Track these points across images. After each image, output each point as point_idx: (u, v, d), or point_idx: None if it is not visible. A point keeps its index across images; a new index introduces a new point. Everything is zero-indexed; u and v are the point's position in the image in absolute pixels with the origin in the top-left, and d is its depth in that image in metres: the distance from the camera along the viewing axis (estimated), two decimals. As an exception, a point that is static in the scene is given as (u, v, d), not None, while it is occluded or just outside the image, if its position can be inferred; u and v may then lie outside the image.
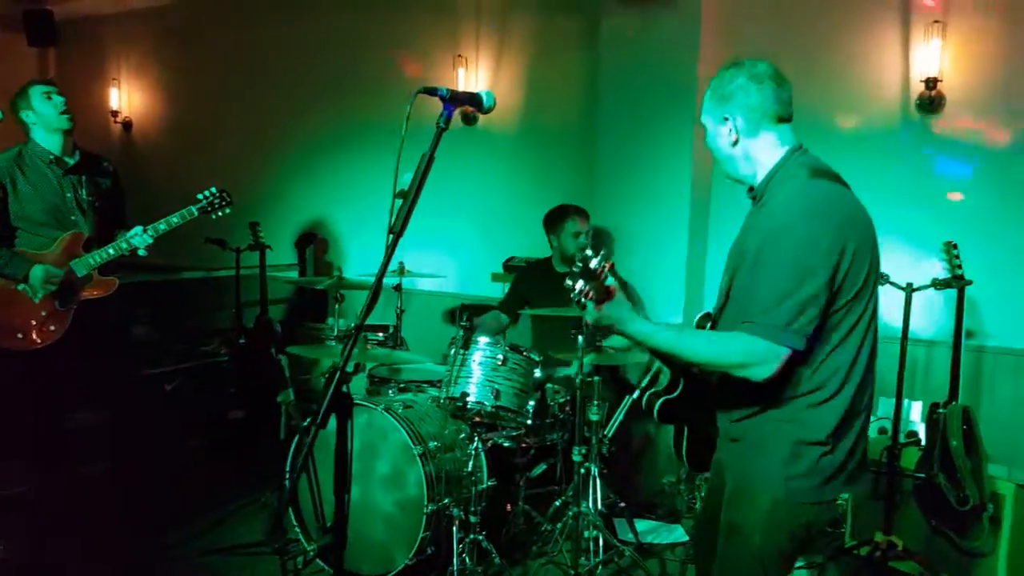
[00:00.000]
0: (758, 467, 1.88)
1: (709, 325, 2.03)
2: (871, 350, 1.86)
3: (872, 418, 3.93)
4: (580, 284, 1.72)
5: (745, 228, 1.95)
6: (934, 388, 3.47)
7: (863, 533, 3.55)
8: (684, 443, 2.11)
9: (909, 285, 3.33)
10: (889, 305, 3.50)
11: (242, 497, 3.89)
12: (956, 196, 3.96)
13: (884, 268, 3.33)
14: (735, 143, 1.92)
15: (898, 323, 3.37)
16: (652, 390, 2.11)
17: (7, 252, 3.25)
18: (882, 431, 3.75)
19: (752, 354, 1.72)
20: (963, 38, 3.84)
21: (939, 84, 3.87)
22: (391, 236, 1.85)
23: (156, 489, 3.93)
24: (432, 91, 1.89)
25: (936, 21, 3.84)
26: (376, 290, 1.85)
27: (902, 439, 3.66)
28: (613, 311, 1.76)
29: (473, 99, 2.00)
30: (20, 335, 3.28)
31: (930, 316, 3.97)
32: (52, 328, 3.30)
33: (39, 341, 3.29)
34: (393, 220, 1.86)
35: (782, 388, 1.81)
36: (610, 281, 1.74)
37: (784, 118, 1.91)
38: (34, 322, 3.29)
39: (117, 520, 3.64)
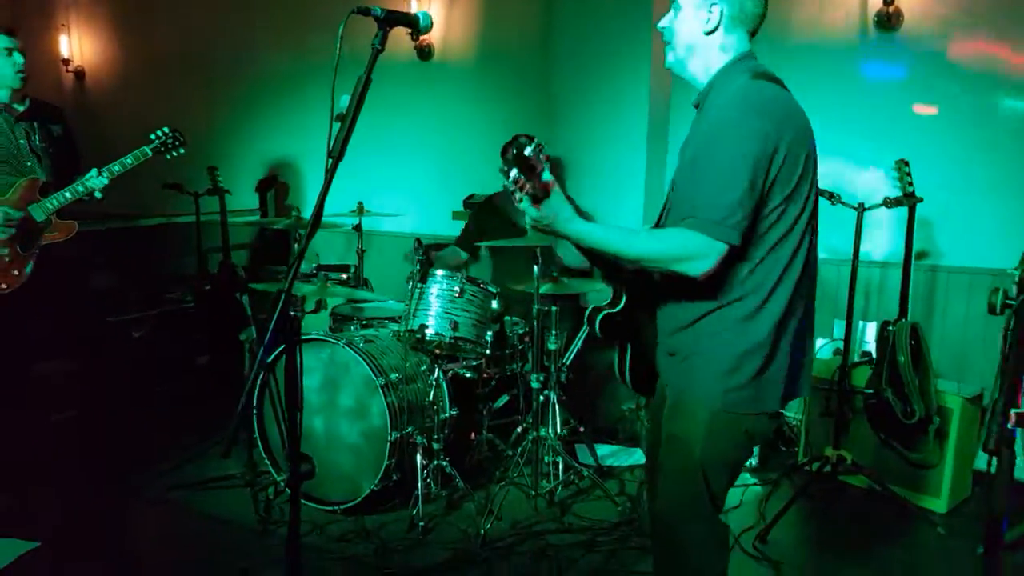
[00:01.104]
0: (696, 380, 1.88)
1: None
2: (807, 258, 1.85)
3: (827, 340, 4.09)
4: (514, 172, 1.68)
5: (686, 141, 1.93)
6: (889, 310, 3.53)
7: (815, 449, 3.68)
8: (627, 362, 2.06)
9: (861, 204, 3.38)
10: (841, 226, 3.57)
11: (213, 436, 3.94)
12: (923, 109, 3.95)
13: (836, 188, 3.42)
14: (708, 33, 1.87)
15: (850, 244, 3.42)
16: (594, 305, 2.10)
17: None
18: (837, 352, 3.84)
19: (689, 248, 1.71)
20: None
21: (897, 0, 3.85)
22: (330, 160, 1.80)
23: (127, 433, 3.98)
24: (366, 11, 1.81)
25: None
26: (319, 208, 1.81)
27: (856, 359, 3.77)
28: (549, 210, 1.72)
29: (408, 19, 1.94)
30: None
31: (885, 238, 4.04)
32: (15, 273, 3.32)
33: (4, 286, 3.31)
34: (331, 144, 1.81)
35: (717, 294, 1.81)
36: (547, 176, 1.70)
37: (753, 32, 1.92)
38: None
39: (87, 463, 3.70)
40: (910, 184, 3.29)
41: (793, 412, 4.13)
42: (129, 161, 3.39)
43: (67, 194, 3.34)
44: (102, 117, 6.48)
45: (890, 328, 3.40)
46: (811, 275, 1.90)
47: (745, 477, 3.71)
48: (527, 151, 1.64)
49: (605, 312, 2.06)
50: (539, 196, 1.71)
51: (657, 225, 1.99)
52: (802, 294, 1.86)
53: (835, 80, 4.05)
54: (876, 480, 3.41)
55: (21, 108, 3.38)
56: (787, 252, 1.81)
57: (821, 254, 4.14)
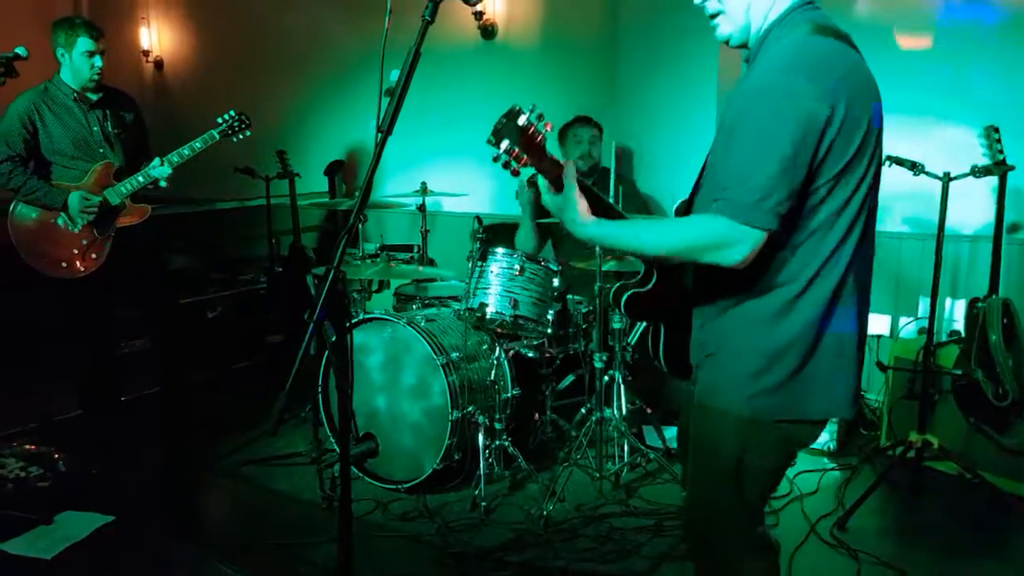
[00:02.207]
0: (721, 380, 1.66)
1: (684, 209, 1.78)
2: (860, 243, 1.57)
3: (912, 319, 3.86)
4: (505, 143, 1.54)
5: (728, 103, 1.68)
6: (979, 286, 3.30)
7: (899, 433, 3.49)
8: (661, 344, 1.85)
9: (946, 174, 3.16)
10: (925, 197, 3.35)
11: (282, 413, 4.00)
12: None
13: (919, 157, 3.21)
14: None
15: (935, 217, 3.20)
16: (621, 283, 1.87)
17: (44, 184, 3.39)
18: (922, 331, 3.63)
19: (720, 235, 1.47)
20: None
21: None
22: (379, 135, 1.75)
23: (202, 409, 4.09)
24: None
25: None
26: (368, 182, 1.76)
27: (944, 338, 3.55)
28: (561, 204, 1.61)
29: None
30: (64, 264, 3.44)
31: (975, 209, 3.77)
32: (94, 256, 3.45)
33: (83, 269, 3.45)
34: (380, 119, 1.76)
35: (746, 283, 1.57)
36: (569, 166, 1.58)
37: None
38: (76, 251, 3.44)
39: (166, 437, 3.83)
40: (1000, 151, 3.06)
41: (875, 394, 3.93)
42: (198, 145, 3.47)
43: (140, 178, 3.45)
44: (179, 104, 6.67)
45: (979, 305, 3.18)
46: (865, 264, 1.62)
47: (823, 461, 3.55)
48: (521, 120, 1.50)
49: (633, 291, 1.83)
50: (551, 175, 1.58)
51: (687, 203, 1.77)
52: (852, 287, 1.58)
53: (920, 39, 3.78)
54: (966, 467, 3.20)
55: (95, 97, 3.49)
56: (835, 237, 1.54)
57: (902, 227, 3.95)
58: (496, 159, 1.58)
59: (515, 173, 1.62)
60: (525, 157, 1.57)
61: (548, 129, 1.58)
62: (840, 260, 1.55)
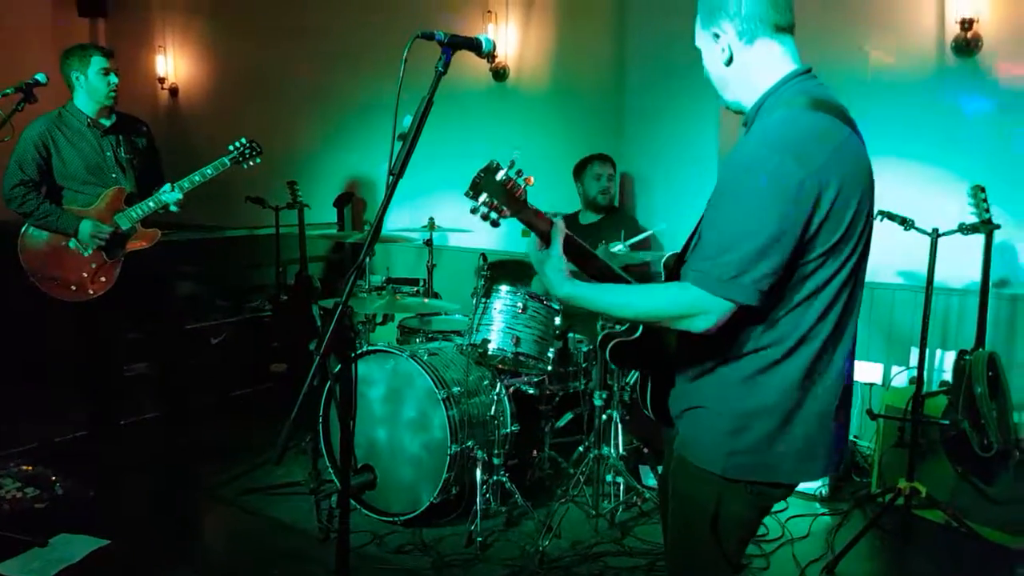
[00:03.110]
0: (699, 436, 1.67)
1: (674, 264, 1.81)
2: (845, 310, 1.59)
3: (903, 368, 3.95)
4: (484, 196, 1.59)
5: (723, 162, 1.76)
6: (969, 338, 3.40)
7: (888, 480, 3.55)
8: (648, 392, 1.88)
9: (935, 230, 3.26)
10: (917, 252, 3.45)
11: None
12: (1002, 134, 3.79)
13: (910, 213, 3.32)
14: (729, 61, 1.65)
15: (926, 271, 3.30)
16: (608, 331, 1.91)
17: (57, 209, 3.45)
18: (913, 380, 3.71)
19: (689, 305, 1.51)
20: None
21: (975, 25, 3.73)
22: (391, 177, 1.79)
23: (202, 436, 4.14)
24: (429, 36, 1.84)
25: (974, -42, 3.70)
26: (378, 223, 1.82)
27: (935, 388, 3.63)
28: (542, 264, 1.65)
29: (471, 43, 1.95)
30: (74, 287, 3.50)
31: (965, 265, 3.87)
32: (103, 279, 3.51)
33: (92, 292, 3.51)
34: (392, 162, 1.80)
35: (728, 347, 1.59)
36: (556, 216, 1.63)
37: (783, 27, 1.63)
38: (86, 274, 3.50)
39: (165, 462, 3.87)
40: (987, 210, 3.17)
41: (867, 441, 4.00)
42: (209, 171, 3.55)
43: (151, 203, 3.52)
44: (192, 130, 6.82)
45: (966, 357, 3.27)
46: (849, 335, 1.62)
47: (814, 506, 3.61)
48: (499, 175, 1.55)
49: (618, 340, 1.87)
50: (537, 228, 1.62)
51: (683, 256, 1.78)
52: (833, 356, 1.59)
53: (911, 105, 3.93)
54: (953, 515, 3.26)
55: (108, 123, 3.57)
56: (817, 310, 1.55)
57: (895, 279, 4.04)
58: (474, 211, 1.65)
59: (495, 224, 1.67)
60: (505, 210, 1.62)
61: (529, 183, 1.63)
62: (821, 332, 1.57)
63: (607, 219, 4.25)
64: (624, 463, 3.52)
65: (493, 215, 1.64)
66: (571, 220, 4.33)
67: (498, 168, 1.59)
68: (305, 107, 6.17)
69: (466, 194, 1.63)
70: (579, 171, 4.26)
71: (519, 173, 1.61)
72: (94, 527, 3.15)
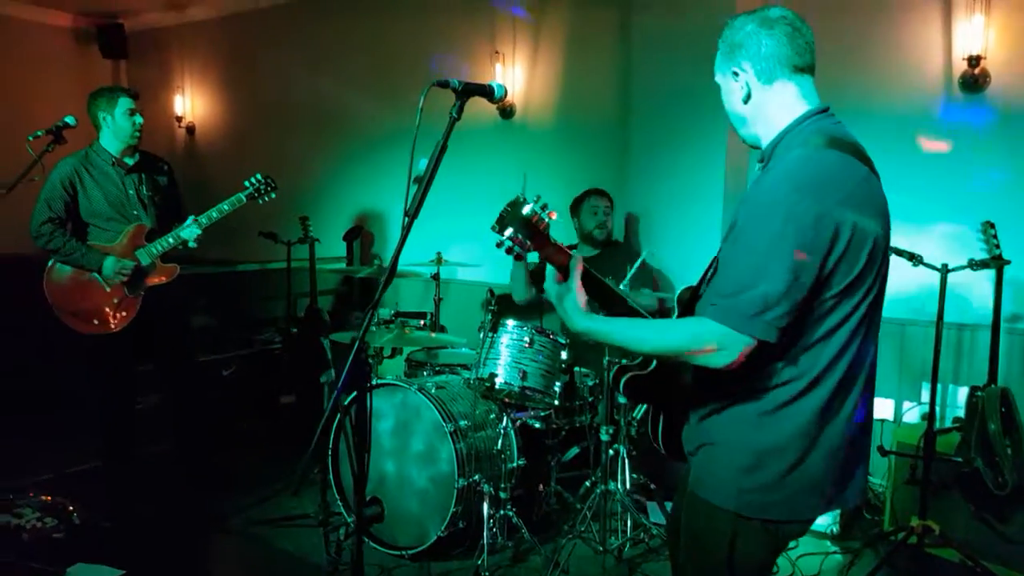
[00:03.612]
0: (712, 474, 1.67)
1: (689, 298, 1.83)
2: (862, 348, 1.60)
3: (915, 404, 3.92)
4: (509, 231, 1.61)
5: (743, 197, 1.69)
6: (982, 373, 3.38)
7: (901, 518, 3.51)
8: (660, 427, 1.87)
9: (944, 266, 3.27)
10: (928, 287, 3.45)
11: (292, 473, 4.08)
12: (1010, 169, 3.80)
13: (919, 249, 3.33)
14: (747, 99, 1.69)
15: (934, 306, 3.30)
16: (622, 364, 1.89)
17: (82, 246, 3.54)
18: (925, 416, 3.68)
19: (710, 340, 1.51)
20: (1007, 13, 3.73)
21: (983, 61, 3.77)
22: (406, 219, 1.86)
23: (213, 466, 4.16)
24: (444, 84, 1.89)
25: (979, -4, 3.75)
26: (393, 266, 1.88)
27: (948, 424, 3.60)
28: (561, 298, 1.67)
29: (484, 90, 2.00)
30: (96, 321, 3.57)
31: (977, 300, 3.87)
32: (124, 313, 3.58)
33: (113, 326, 3.58)
34: (408, 204, 1.86)
35: (744, 384, 1.60)
36: (575, 258, 1.64)
37: (802, 68, 1.66)
38: (108, 309, 3.57)
39: (177, 493, 3.88)
40: (997, 246, 3.17)
41: (879, 478, 3.95)
42: (226, 207, 3.62)
43: (170, 239, 3.60)
44: (209, 167, 6.95)
45: (979, 394, 3.24)
46: (866, 371, 1.64)
47: (826, 544, 3.56)
48: (525, 210, 1.58)
49: (632, 374, 1.87)
50: (556, 261, 1.64)
51: (698, 289, 1.81)
52: (850, 392, 1.61)
53: (919, 141, 3.97)
54: (967, 554, 3.21)
55: (131, 162, 3.66)
56: (835, 347, 1.57)
57: (906, 315, 4.04)
58: (500, 245, 1.67)
59: (519, 258, 1.69)
60: (529, 243, 1.65)
61: (552, 217, 1.66)
62: (838, 370, 1.58)
63: (606, 252, 4.26)
64: (631, 499, 3.49)
65: (517, 249, 1.66)
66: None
67: (524, 202, 1.61)
68: (316, 143, 6.28)
69: (492, 228, 1.65)
70: (576, 206, 4.30)
71: (544, 207, 1.64)
72: (109, 557, 3.17)
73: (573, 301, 1.68)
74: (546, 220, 1.65)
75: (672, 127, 4.31)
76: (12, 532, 3.30)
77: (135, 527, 3.53)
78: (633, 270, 3.54)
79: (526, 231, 1.63)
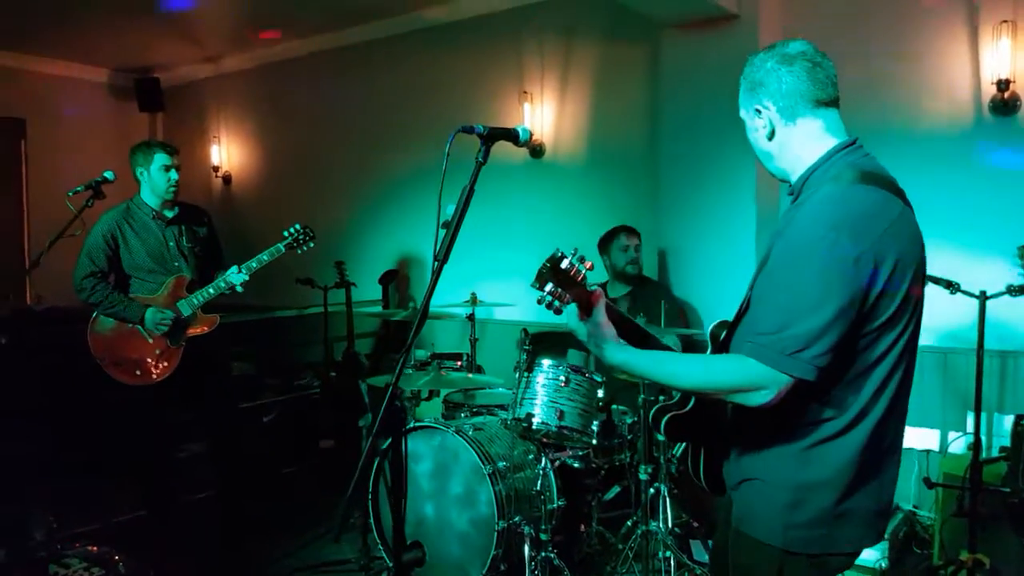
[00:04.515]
0: (756, 510, 1.68)
1: (724, 334, 1.83)
2: (902, 380, 1.62)
3: (960, 434, 3.85)
4: (549, 286, 1.63)
5: (777, 229, 1.68)
6: (1029, 400, 3.34)
7: (951, 552, 3.42)
8: (701, 463, 1.87)
9: (983, 293, 3.23)
10: (969, 314, 3.41)
11: (332, 518, 4.11)
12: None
13: (955, 276, 3.29)
14: (771, 136, 1.71)
15: (975, 333, 3.26)
16: (661, 404, 1.91)
17: (124, 299, 3.62)
18: (971, 447, 3.61)
19: (747, 379, 1.51)
20: (1035, 37, 3.73)
21: (1012, 85, 3.75)
22: (435, 263, 1.90)
23: (254, 513, 4.20)
24: (469, 129, 1.94)
25: (1005, 21, 3.75)
26: (424, 310, 1.90)
27: (995, 454, 3.53)
28: (591, 335, 1.69)
29: (509, 134, 2.05)
30: (138, 372, 3.65)
31: (1019, 325, 3.81)
32: (165, 364, 3.65)
33: (155, 377, 3.65)
34: (437, 249, 1.90)
35: (787, 419, 1.59)
36: (592, 287, 1.66)
37: (825, 101, 1.66)
38: (150, 360, 3.65)
39: (220, 540, 3.93)
40: (1035, 271, 3.14)
41: (926, 511, 3.87)
42: (265, 257, 3.67)
43: (211, 290, 3.66)
44: (245, 215, 7.12)
45: (1023, 423, 3.18)
46: (902, 404, 1.65)
47: (875, 581, 3.49)
48: (563, 264, 1.59)
49: (672, 413, 1.87)
50: (586, 306, 1.66)
51: (733, 326, 1.80)
52: (891, 424, 1.62)
53: (951, 166, 3.95)
54: (1021, 589, 3.13)
55: (171, 214, 3.75)
56: (874, 383, 1.57)
57: (946, 343, 3.98)
58: (540, 301, 1.69)
59: (558, 312, 1.70)
60: (567, 296, 1.66)
61: (590, 268, 1.67)
62: (880, 403, 1.58)
63: (638, 290, 4.28)
64: (674, 538, 3.46)
65: (557, 303, 1.68)
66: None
67: (562, 257, 1.62)
68: (350, 188, 6.42)
69: (532, 285, 1.65)
70: (605, 244, 4.32)
71: (581, 259, 1.65)
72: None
73: (603, 334, 1.69)
74: (583, 272, 1.66)
75: (701, 161, 4.34)
76: (60, 582, 3.35)
77: (179, 575, 3.56)
78: (663, 309, 3.55)
79: (566, 284, 1.65)
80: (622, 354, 1.68)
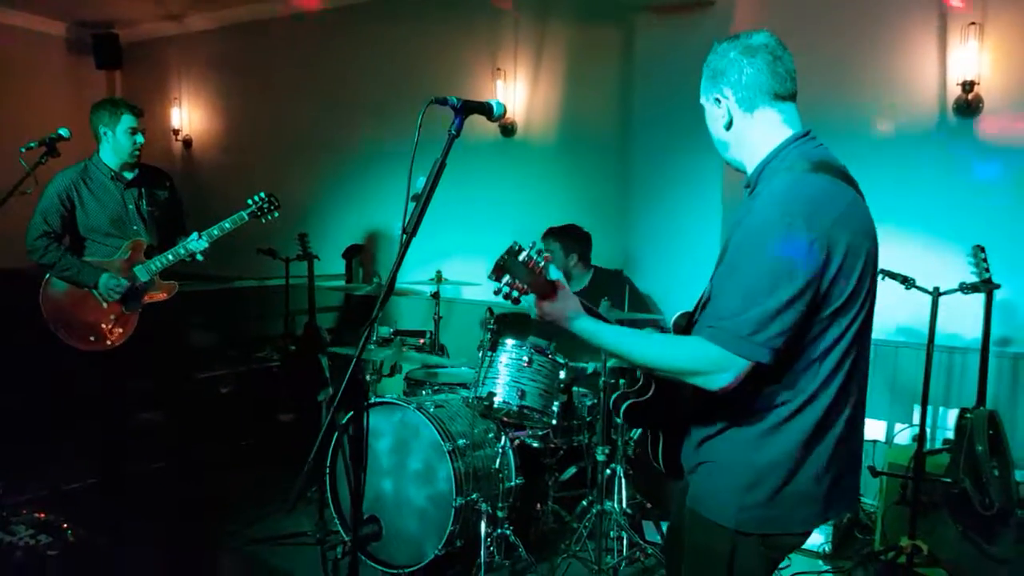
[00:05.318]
0: (711, 492, 1.73)
1: (685, 324, 1.86)
2: (854, 366, 1.66)
3: (906, 426, 3.98)
4: (506, 278, 1.65)
5: (735, 220, 1.72)
6: (970, 396, 3.44)
7: (891, 538, 3.55)
8: (660, 448, 1.91)
9: (936, 289, 3.33)
10: (920, 310, 3.51)
11: (289, 491, 4.10)
12: (1002, 193, 3.87)
13: (911, 272, 3.39)
14: (729, 126, 1.75)
15: (927, 329, 3.36)
16: (622, 390, 1.95)
17: (78, 262, 3.51)
18: (916, 438, 3.74)
19: (706, 361, 1.56)
20: (1001, 40, 3.81)
21: (976, 87, 3.84)
22: (404, 236, 1.87)
23: (210, 484, 4.17)
24: (443, 101, 1.91)
25: (973, 23, 3.82)
26: (391, 283, 1.89)
27: (939, 446, 3.66)
28: (556, 306, 1.70)
29: (483, 108, 2.02)
30: (93, 337, 3.56)
31: (969, 323, 3.93)
32: (120, 330, 3.57)
33: (110, 343, 3.56)
34: (406, 222, 1.87)
35: (741, 405, 1.65)
36: (554, 275, 1.69)
37: (783, 95, 1.71)
38: (104, 325, 3.56)
39: (173, 511, 3.89)
40: (987, 270, 3.24)
41: (870, 498, 4.00)
42: (227, 225, 3.58)
43: (169, 256, 3.56)
44: (206, 181, 6.98)
45: (967, 416, 3.30)
46: (858, 386, 1.70)
47: (818, 564, 3.60)
48: (521, 256, 1.62)
49: (632, 400, 1.92)
50: (545, 293, 1.69)
51: (693, 315, 1.84)
52: (843, 408, 1.67)
53: (913, 165, 4.04)
54: (954, 573, 3.27)
55: (130, 176, 3.64)
56: (828, 367, 1.63)
57: (898, 337, 4.10)
58: (497, 292, 1.70)
59: (516, 302, 1.72)
60: (526, 287, 1.68)
61: (548, 261, 1.69)
62: (831, 387, 1.63)
63: (598, 279, 4.29)
64: (628, 518, 3.53)
65: (515, 294, 1.69)
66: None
67: (520, 250, 1.65)
68: (315, 159, 6.32)
69: (489, 277, 1.67)
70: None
71: (539, 252, 1.67)
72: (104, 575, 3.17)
73: (568, 304, 1.71)
74: (542, 264, 1.68)
75: (672, 146, 4.36)
76: (5, 549, 3.28)
77: (130, 545, 3.53)
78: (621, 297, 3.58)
79: (523, 276, 1.67)
80: (589, 323, 1.71)
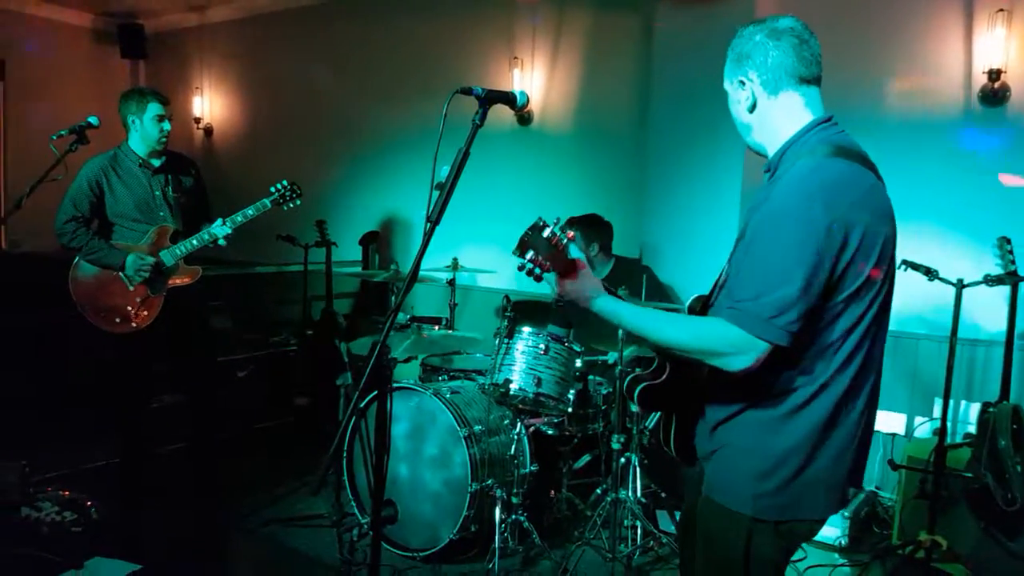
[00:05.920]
0: (727, 478, 1.72)
1: (700, 308, 1.86)
2: (868, 354, 1.65)
3: (926, 419, 3.93)
4: (530, 254, 1.65)
5: (754, 204, 1.71)
6: (995, 390, 3.39)
7: (910, 533, 3.52)
8: (672, 433, 1.92)
9: (960, 281, 3.29)
10: (942, 302, 3.47)
11: (307, 474, 4.14)
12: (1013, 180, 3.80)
13: (935, 263, 3.34)
14: (752, 108, 1.74)
15: (950, 321, 3.32)
16: (636, 374, 1.92)
17: (105, 245, 3.58)
18: (936, 432, 3.69)
19: (728, 342, 1.56)
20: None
21: (1003, 75, 3.76)
22: (428, 224, 1.89)
23: (227, 466, 4.21)
24: (468, 91, 1.93)
25: (1001, 10, 3.74)
26: (415, 269, 1.92)
27: (960, 440, 3.62)
28: (577, 285, 1.69)
29: (507, 97, 2.04)
30: (119, 319, 3.61)
31: (993, 315, 3.87)
32: (146, 312, 3.62)
33: (136, 325, 3.61)
34: (430, 210, 1.89)
35: (758, 389, 1.64)
36: (575, 254, 1.68)
37: (808, 79, 1.70)
38: (130, 308, 3.61)
39: (191, 492, 3.94)
40: (1012, 262, 3.19)
41: (888, 492, 3.97)
42: (250, 212, 3.63)
43: (194, 241, 3.62)
44: (226, 169, 7.03)
45: (990, 410, 3.25)
46: (874, 372, 1.70)
47: (834, 557, 3.57)
48: (546, 233, 1.62)
49: (646, 384, 1.89)
50: (567, 273, 1.68)
51: (709, 299, 1.85)
52: (859, 393, 1.66)
53: (938, 155, 3.97)
54: (974, 570, 3.23)
55: (157, 163, 3.70)
56: (845, 351, 1.62)
57: (920, 329, 4.05)
58: (521, 268, 1.70)
59: (538, 279, 1.71)
60: (548, 264, 1.67)
61: (571, 238, 1.69)
62: (848, 372, 1.63)
63: (618, 267, 4.27)
64: (642, 507, 3.52)
65: (538, 271, 1.69)
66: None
67: (544, 226, 1.65)
68: (335, 147, 6.35)
69: (514, 252, 1.67)
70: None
71: (563, 229, 1.67)
72: (126, 552, 3.21)
73: (589, 283, 1.71)
74: (565, 241, 1.68)
75: (691, 136, 4.33)
76: (32, 525, 3.34)
77: (151, 524, 3.57)
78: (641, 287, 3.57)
79: (547, 253, 1.66)
80: (609, 303, 1.71)
